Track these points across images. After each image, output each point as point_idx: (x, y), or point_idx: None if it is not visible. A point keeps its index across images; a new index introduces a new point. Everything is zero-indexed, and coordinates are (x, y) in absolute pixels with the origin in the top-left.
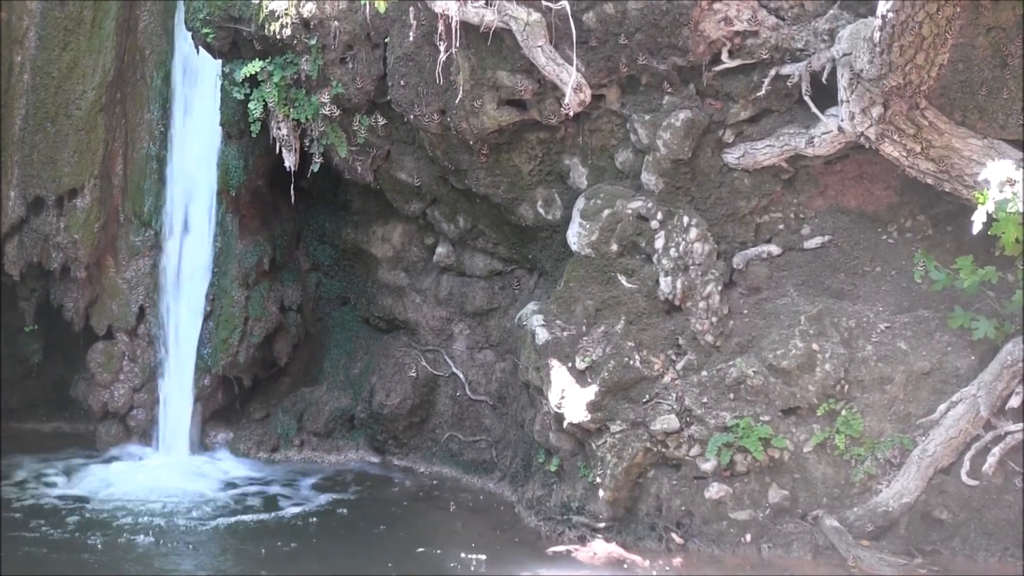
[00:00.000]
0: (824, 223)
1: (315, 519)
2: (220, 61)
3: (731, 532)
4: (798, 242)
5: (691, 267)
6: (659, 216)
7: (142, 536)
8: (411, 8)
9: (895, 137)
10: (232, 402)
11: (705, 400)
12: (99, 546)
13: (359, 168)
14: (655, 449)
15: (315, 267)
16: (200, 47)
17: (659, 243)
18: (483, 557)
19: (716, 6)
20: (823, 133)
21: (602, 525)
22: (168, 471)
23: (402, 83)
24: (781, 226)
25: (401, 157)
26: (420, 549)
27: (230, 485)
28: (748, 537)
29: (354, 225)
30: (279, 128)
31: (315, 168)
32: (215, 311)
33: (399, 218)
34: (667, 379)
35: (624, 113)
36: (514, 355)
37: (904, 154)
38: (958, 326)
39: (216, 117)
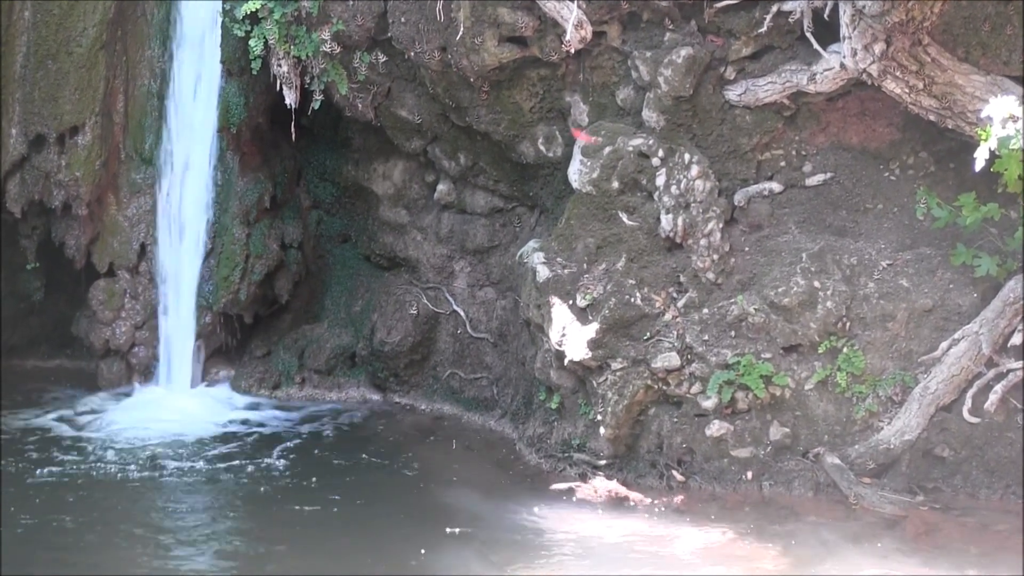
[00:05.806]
0: (826, 160)
1: (319, 455)
2: None
3: (732, 470)
4: (800, 179)
5: (692, 204)
6: (660, 153)
7: (145, 472)
8: None
9: (897, 74)
10: (233, 339)
11: (706, 338)
12: (101, 481)
13: (360, 105)
14: (656, 387)
15: (316, 205)
16: None
17: (660, 180)
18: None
19: None
20: (825, 70)
21: (603, 462)
22: (170, 408)
23: (402, 20)
24: (783, 163)
25: (402, 94)
26: (422, 484)
27: (231, 422)
28: (749, 475)
29: (355, 163)
30: (280, 65)
31: (316, 106)
32: (216, 249)
33: (400, 155)
34: (668, 316)
35: (625, 50)
36: (515, 293)
37: (906, 91)
38: (960, 263)
39: (217, 54)
